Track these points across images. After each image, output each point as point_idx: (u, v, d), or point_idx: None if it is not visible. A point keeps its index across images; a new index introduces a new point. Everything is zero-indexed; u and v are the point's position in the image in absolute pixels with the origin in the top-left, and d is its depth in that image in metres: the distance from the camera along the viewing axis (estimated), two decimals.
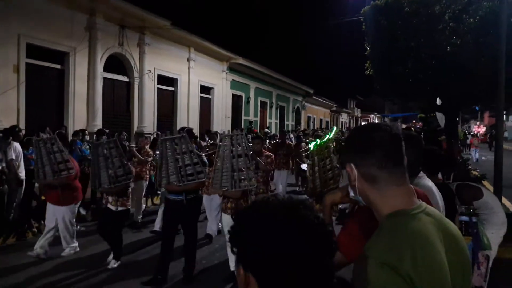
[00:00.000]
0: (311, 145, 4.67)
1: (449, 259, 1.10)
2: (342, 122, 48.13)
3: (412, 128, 20.58)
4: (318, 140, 4.67)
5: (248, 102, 21.61)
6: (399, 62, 11.07)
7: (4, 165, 7.11)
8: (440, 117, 13.33)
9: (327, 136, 4.73)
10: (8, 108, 8.80)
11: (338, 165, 4.68)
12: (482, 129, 44.52)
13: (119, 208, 5.65)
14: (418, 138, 2.17)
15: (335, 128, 5.04)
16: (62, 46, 10.29)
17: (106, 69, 11.72)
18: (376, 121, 58.99)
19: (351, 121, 53.52)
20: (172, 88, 15.17)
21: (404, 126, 34.34)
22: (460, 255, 1.16)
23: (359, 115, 57.97)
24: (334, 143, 4.61)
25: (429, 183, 2.44)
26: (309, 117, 34.63)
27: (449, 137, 12.10)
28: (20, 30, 9.05)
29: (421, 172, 2.39)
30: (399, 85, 12.00)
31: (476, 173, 10.38)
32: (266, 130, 20.23)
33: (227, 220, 5.20)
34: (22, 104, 9.21)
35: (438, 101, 12.42)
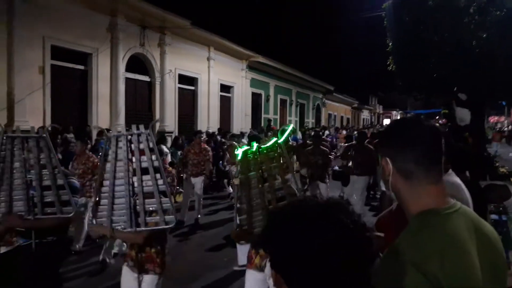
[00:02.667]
0: (239, 151, 3.05)
1: (482, 260, 1.06)
2: (363, 119, 47.58)
3: (436, 125, 20.16)
4: (255, 145, 3.05)
5: (267, 100, 21.58)
6: (422, 57, 10.85)
7: None
8: (465, 113, 12.98)
9: (274, 139, 3.06)
10: (34, 109, 9.02)
11: (304, 178, 3.47)
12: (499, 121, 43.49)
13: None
14: (447, 134, 2.12)
15: (291, 126, 3.45)
16: (85, 47, 10.50)
17: (128, 69, 11.90)
18: (399, 118, 58.42)
19: (373, 117, 52.84)
20: (192, 87, 15.28)
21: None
22: (495, 257, 1.12)
23: (381, 111, 57.17)
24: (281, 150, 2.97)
25: (458, 180, 2.38)
26: (330, 115, 34.36)
27: (475, 133, 11.78)
28: (44, 32, 9.26)
29: (450, 169, 2.34)
30: (422, 81, 11.77)
31: (504, 170, 10.08)
32: (285, 127, 20.19)
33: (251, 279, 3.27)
34: (48, 104, 9.44)
35: (463, 96, 12.10)
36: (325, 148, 7.79)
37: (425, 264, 1.00)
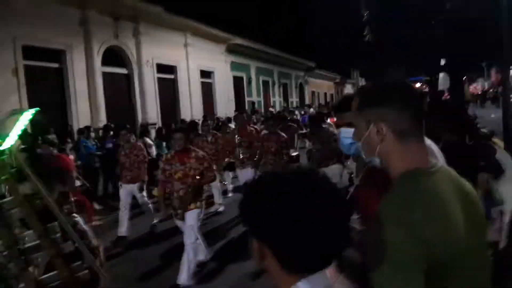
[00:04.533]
0: None
1: (463, 216, 1.10)
2: (346, 93, 47.69)
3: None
4: None
5: (250, 82, 21.45)
6: (400, 25, 10.83)
7: None
8: (444, 77, 13.11)
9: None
10: None
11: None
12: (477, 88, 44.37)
13: None
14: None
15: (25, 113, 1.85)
16: (58, 44, 10.24)
17: (104, 63, 11.66)
18: None
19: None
20: (172, 76, 15.08)
21: None
22: (475, 213, 1.17)
23: (364, 84, 57.32)
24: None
25: (428, 141, 2.41)
26: (313, 92, 34.33)
27: (454, 97, 11.93)
28: (15, 33, 9.00)
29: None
30: (402, 48, 11.80)
31: (485, 131, 10.25)
32: (271, 109, 20.09)
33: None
34: (25, 106, 9.22)
35: (442, 61, 12.20)
36: (281, 133, 6.84)
37: (415, 224, 1.02)
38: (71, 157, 7.97)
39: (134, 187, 6.74)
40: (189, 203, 4.69)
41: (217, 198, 7.96)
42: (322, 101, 34.75)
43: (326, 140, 6.12)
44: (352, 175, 6.69)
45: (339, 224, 0.92)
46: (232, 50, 19.15)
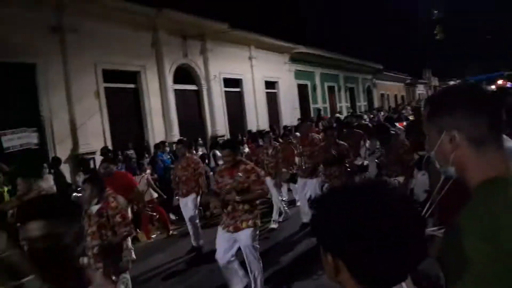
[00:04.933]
0: None
1: None
2: (419, 94, 45.43)
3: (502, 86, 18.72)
4: None
5: (314, 89, 21.32)
6: (473, 21, 10.18)
7: None
8: None
9: None
10: (95, 131, 9.65)
11: None
12: None
13: None
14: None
15: None
16: (133, 66, 11.04)
17: (175, 81, 12.33)
18: None
19: (429, 92, 50.27)
20: (238, 89, 15.51)
21: (491, 87, 31.31)
22: None
23: (437, 84, 54.23)
24: None
25: (510, 142, 2.23)
26: (382, 95, 33.18)
27: None
28: (95, 58, 9.86)
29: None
30: (476, 45, 11.05)
31: None
32: (338, 115, 19.79)
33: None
34: (107, 125, 10.05)
35: None
36: (340, 143, 6.60)
37: (499, 236, 0.96)
38: (148, 170, 8.52)
39: (189, 200, 6.80)
40: (240, 221, 4.44)
41: (274, 214, 7.67)
42: (392, 104, 33.42)
43: (394, 151, 5.64)
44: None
45: (414, 237, 0.91)
46: (295, 58, 19.23)
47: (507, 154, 1.13)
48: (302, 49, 19.00)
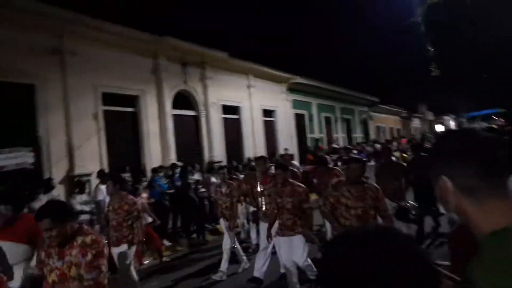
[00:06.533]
0: None
1: None
2: (414, 128, 45.92)
3: (494, 126, 19.00)
4: None
5: (311, 119, 21.50)
6: (468, 59, 10.45)
7: (93, 206, 7.76)
8: None
9: None
10: (92, 153, 9.60)
11: None
12: None
13: None
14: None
15: None
16: (132, 90, 11.11)
17: (174, 106, 12.41)
18: (452, 123, 54.80)
19: (424, 125, 50.83)
20: (236, 116, 15.60)
21: (485, 124, 31.77)
22: None
23: (432, 118, 54.92)
24: None
25: None
26: (378, 127, 33.50)
27: None
28: (94, 81, 9.93)
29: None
30: (471, 83, 11.29)
31: None
32: (334, 145, 19.86)
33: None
34: (104, 148, 10.01)
35: None
36: (295, 184, 5.34)
37: None
38: (144, 195, 8.41)
39: (120, 250, 5.49)
40: None
41: (222, 264, 6.52)
42: (388, 136, 33.72)
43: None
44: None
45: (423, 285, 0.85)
46: (293, 88, 19.49)
47: None
48: (299, 79, 19.30)
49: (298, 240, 5.13)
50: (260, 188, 6.59)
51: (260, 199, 6.55)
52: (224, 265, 6.43)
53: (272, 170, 6.21)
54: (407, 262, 0.86)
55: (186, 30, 13.95)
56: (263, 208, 6.34)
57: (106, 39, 10.15)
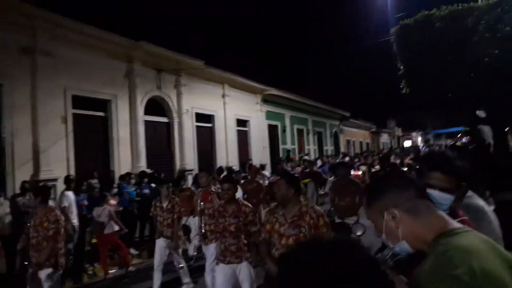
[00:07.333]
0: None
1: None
2: (382, 143, 47.08)
3: (458, 144, 19.77)
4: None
5: (284, 131, 21.70)
6: (435, 78, 10.86)
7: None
8: (487, 130, 12.76)
9: None
10: (58, 157, 9.29)
11: None
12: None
13: None
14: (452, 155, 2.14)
15: None
16: (104, 94, 10.88)
17: (146, 112, 12.22)
18: (419, 139, 56.46)
19: (392, 141, 52.21)
20: (209, 125, 15.54)
21: (449, 141, 33.02)
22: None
23: (400, 134, 56.53)
24: None
25: (480, 202, 2.32)
26: (348, 141, 34.16)
27: (499, 150, 11.53)
28: (65, 83, 9.65)
29: (469, 191, 2.29)
30: (438, 102, 11.72)
31: None
32: (306, 157, 20.07)
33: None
34: (71, 152, 9.72)
35: (482, 114, 11.95)
36: (241, 202, 4.57)
37: (461, 275, 1.05)
38: (113, 201, 8.22)
39: (41, 274, 4.81)
40: None
41: (183, 277, 6.20)
42: (357, 150, 34.45)
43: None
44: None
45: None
46: (267, 100, 19.63)
47: (445, 215, 1.34)
48: (273, 91, 19.47)
49: (245, 268, 4.27)
50: (200, 206, 5.67)
51: (200, 218, 5.68)
52: (185, 279, 6.14)
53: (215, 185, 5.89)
54: (363, 269, 0.91)
55: (163, 36, 13.85)
56: (203, 230, 5.52)
57: (80, 41, 9.92)
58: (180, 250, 6.24)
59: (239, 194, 6.21)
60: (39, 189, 5.28)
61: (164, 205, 6.05)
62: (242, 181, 8.94)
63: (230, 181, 4.46)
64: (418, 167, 2.18)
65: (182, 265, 5.97)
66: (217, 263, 4.48)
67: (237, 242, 4.27)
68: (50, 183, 8.46)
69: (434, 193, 1.79)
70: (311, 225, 3.42)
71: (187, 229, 7.85)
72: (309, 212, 3.48)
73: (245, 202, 4.56)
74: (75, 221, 7.71)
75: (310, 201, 4.27)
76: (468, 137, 23.59)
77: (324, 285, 0.88)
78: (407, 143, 51.86)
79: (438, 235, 1.22)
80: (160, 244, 5.97)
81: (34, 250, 4.71)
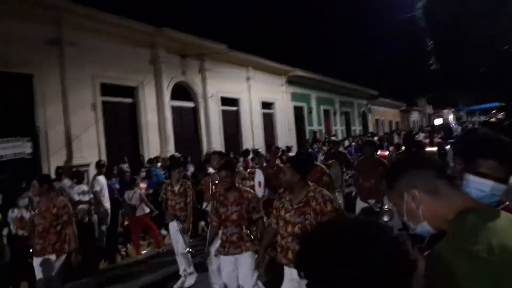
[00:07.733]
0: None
1: None
2: (413, 121, 45.92)
3: (493, 119, 18.95)
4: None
5: (310, 112, 21.50)
6: (467, 52, 10.45)
7: (92, 196, 7.82)
8: None
9: None
10: (90, 143, 9.62)
11: None
12: None
13: None
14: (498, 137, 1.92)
15: None
16: (131, 81, 11.11)
17: (173, 97, 12.42)
18: (451, 116, 54.52)
19: (423, 119, 50.85)
20: (235, 108, 15.61)
21: (483, 118, 31.66)
22: None
23: (431, 111, 54.92)
24: None
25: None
26: (377, 120, 33.50)
27: None
28: (93, 72, 9.93)
29: None
30: (469, 76, 11.30)
31: None
32: (333, 138, 19.85)
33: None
34: (102, 138, 10.04)
35: None
36: (243, 189, 4.32)
37: (478, 252, 1.05)
38: (143, 185, 8.46)
39: (46, 261, 4.77)
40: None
41: (185, 267, 6.00)
42: (387, 129, 33.73)
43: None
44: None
45: (400, 277, 0.92)
46: (292, 81, 19.45)
47: (468, 195, 1.38)
48: (298, 72, 19.26)
49: (245, 259, 4.10)
50: (212, 190, 5.37)
51: (212, 203, 4.98)
52: (188, 268, 5.95)
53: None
54: (384, 249, 0.92)
55: (185, 21, 13.92)
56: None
57: (104, 30, 10.13)
58: (189, 234, 6.10)
59: (260, 177, 6.12)
60: (44, 177, 5.13)
61: (176, 188, 5.91)
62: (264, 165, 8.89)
63: (228, 168, 4.18)
64: (459, 151, 1.98)
65: (188, 249, 5.77)
66: (215, 255, 4.41)
67: (240, 230, 4.11)
68: (82, 168, 8.80)
69: (488, 183, 1.65)
70: (317, 211, 3.31)
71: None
72: (316, 197, 3.37)
73: (247, 189, 4.38)
74: (107, 204, 8.02)
75: (334, 183, 4.24)
76: (503, 113, 22.63)
77: (346, 265, 0.90)
78: (438, 121, 50.27)
79: (458, 213, 1.22)
80: (174, 227, 5.88)
81: (39, 237, 4.67)
